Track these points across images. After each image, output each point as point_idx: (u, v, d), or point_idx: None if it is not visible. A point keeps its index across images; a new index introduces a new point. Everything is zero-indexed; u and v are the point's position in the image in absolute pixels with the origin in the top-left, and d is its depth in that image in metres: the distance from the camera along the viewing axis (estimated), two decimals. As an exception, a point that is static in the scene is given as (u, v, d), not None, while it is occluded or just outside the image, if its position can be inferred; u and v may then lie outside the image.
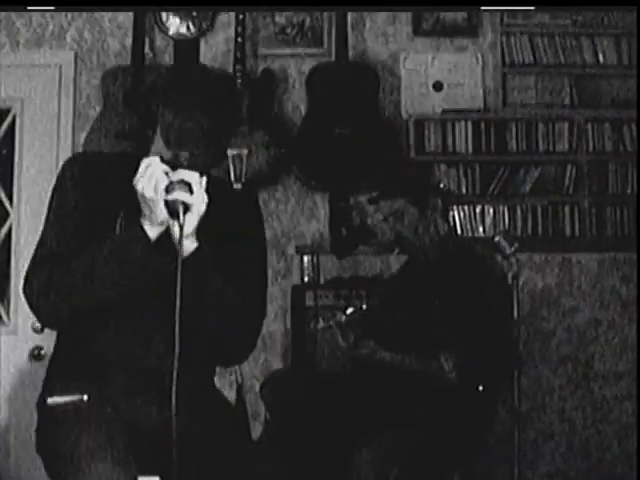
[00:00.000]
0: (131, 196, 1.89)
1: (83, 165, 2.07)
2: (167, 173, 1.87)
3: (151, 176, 1.84)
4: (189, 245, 1.88)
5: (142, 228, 1.88)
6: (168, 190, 1.86)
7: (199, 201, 1.86)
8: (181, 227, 1.83)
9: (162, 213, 1.85)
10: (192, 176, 1.87)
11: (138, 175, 1.85)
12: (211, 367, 2.16)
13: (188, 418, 1.90)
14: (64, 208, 2.02)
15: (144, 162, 1.87)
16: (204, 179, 1.89)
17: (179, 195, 1.84)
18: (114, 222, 1.98)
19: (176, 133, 1.96)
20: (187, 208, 1.84)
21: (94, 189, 2.02)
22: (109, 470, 1.77)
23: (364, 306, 3.24)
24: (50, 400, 2.00)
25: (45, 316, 1.99)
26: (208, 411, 2.03)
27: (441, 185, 3.48)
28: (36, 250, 2.02)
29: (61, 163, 2.14)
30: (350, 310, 3.20)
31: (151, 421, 1.94)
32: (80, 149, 3.99)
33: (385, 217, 3.20)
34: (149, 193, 1.84)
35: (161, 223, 1.87)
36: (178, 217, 1.84)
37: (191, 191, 1.85)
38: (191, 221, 1.85)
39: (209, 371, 2.15)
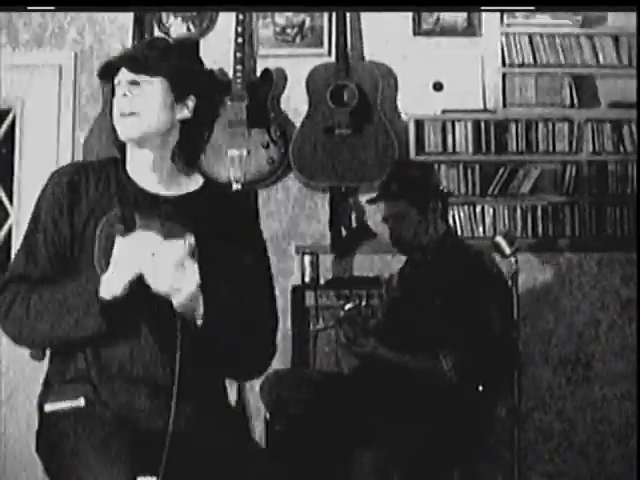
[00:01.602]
0: (109, 209, 1.96)
1: (65, 181, 2.04)
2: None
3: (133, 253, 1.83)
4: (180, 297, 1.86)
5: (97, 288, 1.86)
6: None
7: (181, 297, 1.84)
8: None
9: (122, 285, 1.84)
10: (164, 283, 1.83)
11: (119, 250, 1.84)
12: (219, 375, 2.13)
13: (188, 418, 1.90)
14: (40, 228, 2.04)
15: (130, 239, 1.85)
16: (189, 241, 1.85)
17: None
18: (91, 243, 1.97)
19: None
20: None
21: (74, 206, 2.01)
22: (108, 471, 1.76)
23: (363, 302, 3.24)
24: (48, 407, 1.99)
25: (11, 337, 1.99)
26: (208, 411, 2.02)
27: (441, 187, 3.48)
28: (9, 268, 2.05)
29: (61, 163, 2.15)
30: (349, 306, 3.19)
31: (150, 422, 1.93)
32: (80, 149, 4.00)
33: (385, 218, 3.20)
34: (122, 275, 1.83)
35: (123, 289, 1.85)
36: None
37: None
38: (180, 302, 1.84)
39: (217, 378, 2.14)
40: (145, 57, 2.01)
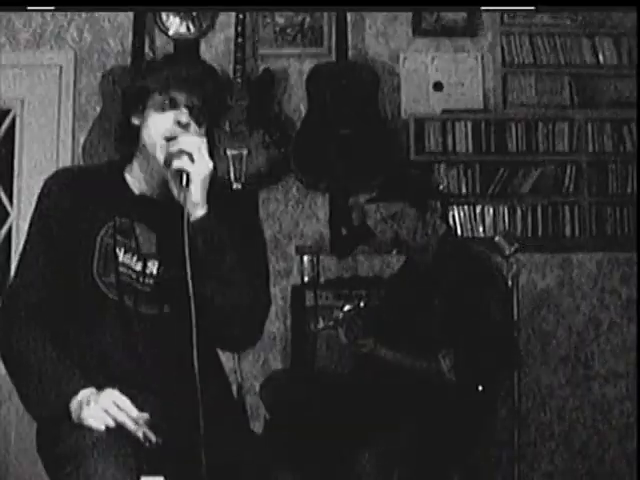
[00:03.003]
0: (108, 219, 1.97)
1: (61, 192, 2.03)
2: (169, 139, 1.90)
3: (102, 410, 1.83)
4: (197, 211, 1.89)
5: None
6: (167, 162, 1.89)
7: (201, 168, 1.88)
8: (185, 198, 1.86)
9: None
10: (192, 144, 1.89)
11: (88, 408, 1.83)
12: (214, 348, 2.13)
13: (187, 415, 1.90)
14: (37, 245, 2.02)
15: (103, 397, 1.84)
16: (204, 142, 1.90)
17: (178, 164, 1.87)
18: (91, 254, 1.97)
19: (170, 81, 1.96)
20: (189, 177, 1.87)
21: (72, 217, 2.00)
22: (109, 470, 1.76)
23: (362, 303, 3.24)
24: None
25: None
26: (212, 402, 2.01)
27: (440, 187, 3.48)
28: (10, 287, 2.03)
29: (61, 163, 2.13)
30: (347, 307, 3.19)
31: (153, 419, 1.93)
32: (80, 149, 3.99)
33: (384, 218, 3.20)
34: (98, 424, 1.82)
35: None
36: (182, 186, 1.87)
37: (192, 160, 1.87)
38: (195, 190, 1.87)
39: (213, 353, 2.13)
40: (197, 80, 1.98)
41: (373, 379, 3.05)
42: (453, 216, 4.00)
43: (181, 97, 1.95)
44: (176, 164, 1.88)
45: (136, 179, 2.05)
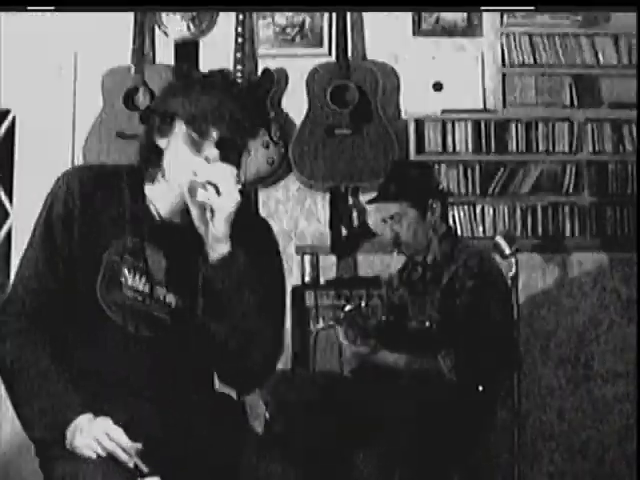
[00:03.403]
0: (121, 233, 1.90)
1: (77, 191, 1.92)
2: (195, 174, 1.79)
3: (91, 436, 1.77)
4: (220, 248, 1.80)
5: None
6: (191, 191, 1.79)
7: (228, 203, 1.77)
8: (207, 231, 1.78)
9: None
10: (220, 176, 1.79)
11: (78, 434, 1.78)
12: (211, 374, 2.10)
13: (188, 417, 1.90)
14: (42, 251, 1.92)
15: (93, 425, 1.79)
16: (234, 173, 1.81)
17: (203, 196, 1.77)
18: (96, 265, 1.90)
19: (203, 115, 1.83)
20: (213, 211, 1.77)
21: (85, 221, 1.92)
22: (107, 470, 1.76)
23: (363, 303, 3.24)
24: None
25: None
26: (209, 408, 2.01)
27: (441, 187, 3.47)
28: (10, 289, 1.96)
29: (61, 164, 2.05)
30: (349, 307, 3.19)
31: (150, 421, 1.92)
32: (80, 149, 3.99)
33: (384, 218, 3.20)
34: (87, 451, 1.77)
35: None
36: (205, 220, 1.77)
37: (218, 193, 1.77)
38: (219, 225, 1.78)
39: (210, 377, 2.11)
40: (230, 114, 1.87)
41: (373, 379, 3.05)
42: (453, 216, 4.00)
43: (212, 130, 1.84)
44: (201, 196, 1.78)
45: (156, 199, 1.96)
